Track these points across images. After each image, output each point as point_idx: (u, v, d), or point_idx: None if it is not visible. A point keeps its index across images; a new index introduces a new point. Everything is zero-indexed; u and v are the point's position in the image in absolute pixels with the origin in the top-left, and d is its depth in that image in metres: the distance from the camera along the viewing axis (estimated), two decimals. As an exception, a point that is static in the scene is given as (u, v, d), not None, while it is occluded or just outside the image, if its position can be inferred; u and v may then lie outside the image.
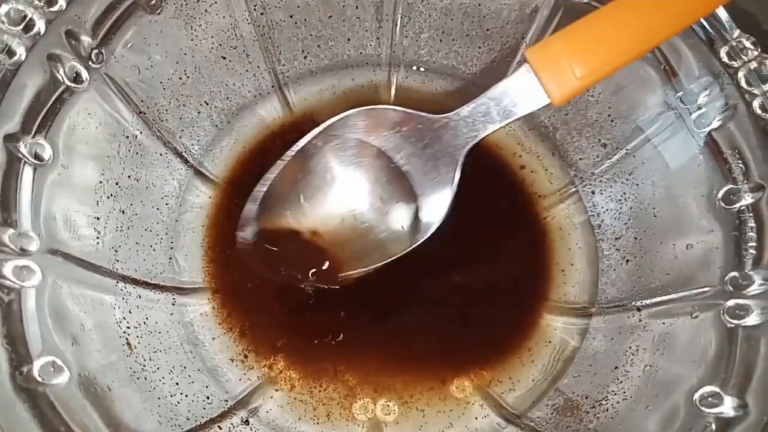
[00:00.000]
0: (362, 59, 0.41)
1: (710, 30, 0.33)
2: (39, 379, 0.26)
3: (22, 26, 0.29)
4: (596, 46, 0.27)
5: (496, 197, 0.40)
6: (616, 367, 0.34)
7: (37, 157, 0.29)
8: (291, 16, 0.39)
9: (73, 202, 0.32)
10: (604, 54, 0.27)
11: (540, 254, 0.38)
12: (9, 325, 0.26)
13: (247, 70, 0.39)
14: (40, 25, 0.29)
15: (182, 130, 0.38)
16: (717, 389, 0.29)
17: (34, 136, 0.29)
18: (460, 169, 0.32)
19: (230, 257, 0.36)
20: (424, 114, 0.31)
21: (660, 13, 0.26)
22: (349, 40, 0.41)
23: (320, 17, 0.39)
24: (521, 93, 0.28)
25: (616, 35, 0.27)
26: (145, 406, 0.31)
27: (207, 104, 0.38)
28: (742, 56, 0.32)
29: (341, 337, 0.37)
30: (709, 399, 0.29)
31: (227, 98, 0.39)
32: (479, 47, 0.41)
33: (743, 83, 0.32)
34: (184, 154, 0.37)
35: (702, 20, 0.33)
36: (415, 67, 0.42)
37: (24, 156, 0.29)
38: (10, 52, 0.29)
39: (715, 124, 0.33)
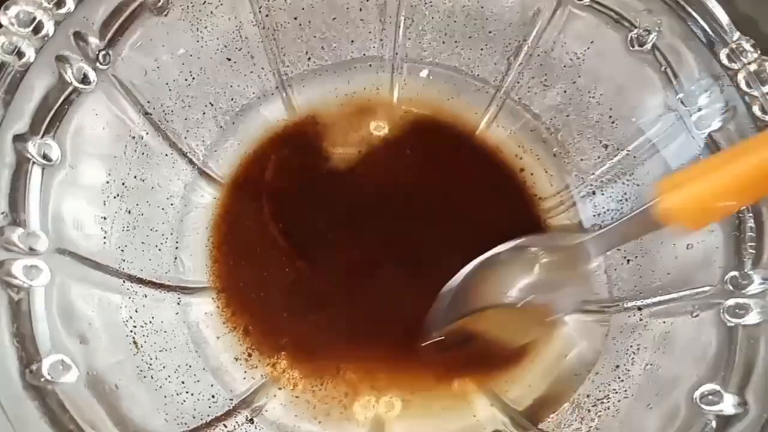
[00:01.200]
0: (366, 61, 0.42)
1: (710, 32, 0.34)
2: (48, 377, 0.27)
3: (31, 28, 0.29)
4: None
5: (496, 200, 0.40)
6: (618, 366, 0.34)
7: (45, 157, 0.30)
8: (295, 18, 0.39)
9: (81, 202, 0.32)
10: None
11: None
12: (18, 324, 0.27)
13: (252, 72, 0.40)
14: (48, 27, 0.30)
15: (187, 131, 0.38)
16: (717, 387, 0.30)
17: (42, 137, 0.30)
18: None
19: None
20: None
21: None
22: (352, 41, 0.41)
23: (324, 19, 0.40)
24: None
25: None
26: (152, 405, 0.31)
27: (212, 105, 0.39)
28: (742, 58, 0.33)
29: (344, 335, 0.37)
30: (710, 397, 0.30)
31: (232, 99, 0.39)
32: (482, 49, 0.41)
33: (743, 85, 0.33)
34: (189, 154, 0.38)
35: (702, 23, 0.34)
36: (418, 69, 0.42)
37: (32, 156, 0.29)
38: (20, 54, 0.29)
39: (716, 125, 0.33)
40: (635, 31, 0.36)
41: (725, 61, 0.33)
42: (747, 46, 0.33)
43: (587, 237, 0.32)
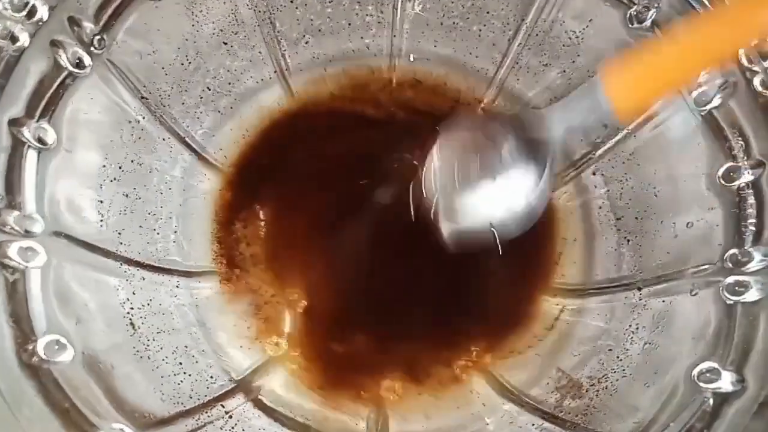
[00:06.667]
0: (363, 44, 0.41)
1: (710, 7, 0.33)
2: (43, 356, 0.27)
3: (25, 12, 0.30)
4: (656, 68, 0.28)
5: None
6: (616, 345, 0.34)
7: (40, 141, 0.30)
8: (291, 2, 0.39)
9: (77, 186, 0.32)
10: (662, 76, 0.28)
11: (540, 235, 0.38)
12: (14, 304, 0.27)
13: (249, 56, 0.39)
14: (42, 12, 0.30)
15: (185, 116, 0.38)
16: (715, 365, 0.29)
17: (37, 121, 0.30)
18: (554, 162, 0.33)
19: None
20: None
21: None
22: (350, 25, 0.41)
23: (321, 2, 0.39)
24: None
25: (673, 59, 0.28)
26: (148, 385, 0.31)
27: (209, 90, 0.39)
28: (743, 33, 0.32)
29: (347, 316, 0.37)
30: (708, 375, 0.29)
31: (229, 84, 0.39)
32: (480, 30, 0.40)
33: (743, 60, 0.32)
34: (186, 139, 0.38)
35: (703, -2, 0.33)
36: (416, 52, 0.42)
37: (28, 140, 0.30)
38: (14, 38, 0.29)
39: (716, 101, 0.33)
40: (634, 7, 0.35)
41: (725, 35, 0.32)
42: (748, 20, 0.32)
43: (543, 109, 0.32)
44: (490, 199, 0.33)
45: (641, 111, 0.31)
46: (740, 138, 0.32)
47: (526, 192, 0.32)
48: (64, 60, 0.31)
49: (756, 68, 0.32)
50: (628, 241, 0.37)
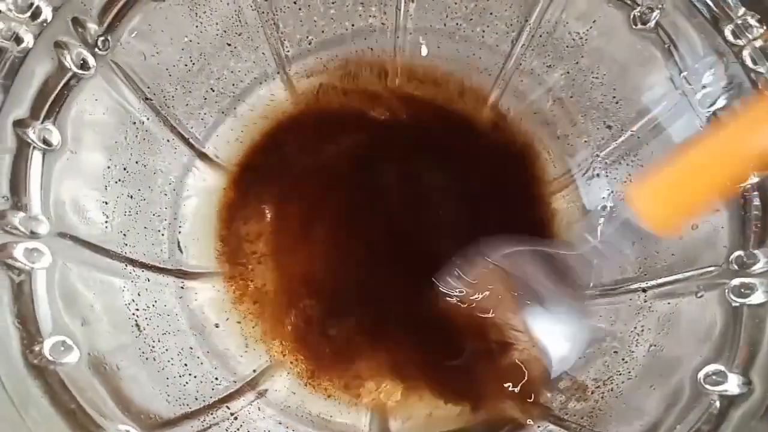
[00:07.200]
0: (367, 44, 0.41)
1: (714, 8, 0.33)
2: (49, 357, 0.27)
3: (29, 14, 0.30)
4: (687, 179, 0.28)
5: (499, 182, 0.40)
6: (622, 348, 0.34)
7: (45, 142, 0.30)
8: (295, 3, 0.39)
9: (82, 187, 0.32)
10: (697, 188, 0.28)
11: (545, 238, 0.38)
12: (20, 305, 0.27)
13: (252, 57, 0.39)
14: (46, 13, 0.30)
15: (189, 116, 0.38)
16: (722, 367, 0.29)
17: (42, 122, 0.30)
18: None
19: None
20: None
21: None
22: (353, 26, 0.41)
23: (324, 3, 0.39)
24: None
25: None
26: (153, 386, 0.31)
27: (213, 90, 0.39)
28: (747, 34, 0.32)
29: (351, 319, 0.37)
30: (714, 377, 0.29)
31: (233, 84, 0.39)
32: (483, 31, 0.40)
33: (748, 62, 0.32)
34: (190, 140, 0.38)
35: (707, -1, 0.33)
36: (420, 52, 0.42)
37: (33, 141, 0.29)
38: (18, 40, 0.29)
39: (720, 103, 0.33)
40: (638, 8, 0.35)
41: (730, 37, 0.32)
42: (752, 21, 0.32)
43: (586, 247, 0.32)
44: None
45: (687, 220, 0.30)
46: (745, 140, 0.32)
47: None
48: (68, 61, 0.31)
49: (761, 69, 0.32)
50: (633, 242, 0.36)
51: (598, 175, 0.39)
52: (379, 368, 0.36)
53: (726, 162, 0.26)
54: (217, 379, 0.34)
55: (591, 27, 0.37)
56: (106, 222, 0.33)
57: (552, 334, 0.34)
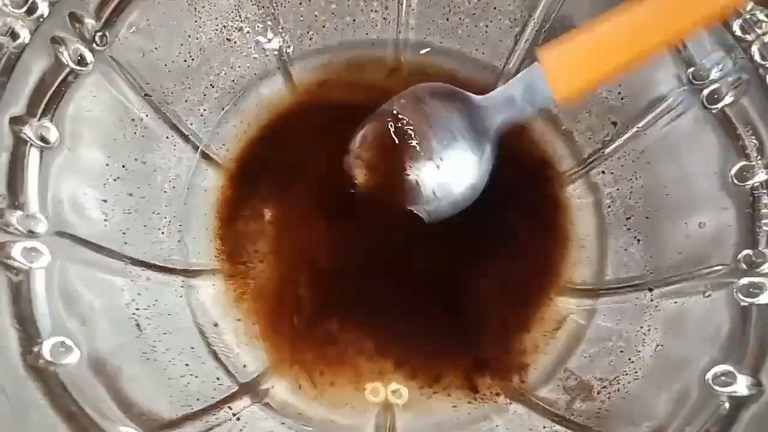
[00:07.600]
0: (369, 40, 0.41)
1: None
2: (49, 358, 0.27)
3: (25, 9, 0.29)
4: (600, 52, 0.28)
5: (503, 179, 0.40)
6: (628, 347, 0.34)
7: (43, 139, 0.30)
8: (295, -3, 0.38)
9: (80, 185, 0.32)
10: (606, 60, 0.28)
11: (550, 235, 0.38)
12: (18, 306, 0.27)
13: (252, 52, 0.39)
14: (43, 8, 0.30)
15: (188, 113, 0.37)
16: (730, 368, 0.29)
17: (39, 119, 0.30)
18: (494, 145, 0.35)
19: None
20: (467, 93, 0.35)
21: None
22: (354, 21, 0.40)
23: (325, -3, 0.39)
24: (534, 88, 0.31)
25: (619, 41, 0.28)
26: (155, 387, 0.31)
27: (212, 87, 0.38)
28: (756, 29, 0.32)
29: (355, 318, 0.36)
30: (722, 378, 0.29)
31: (233, 80, 0.39)
32: (486, 26, 0.40)
33: (757, 57, 0.32)
34: (190, 137, 0.37)
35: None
36: (422, 48, 0.41)
37: (30, 139, 0.29)
38: (14, 35, 0.29)
39: (728, 99, 0.32)
40: (645, 3, 0.35)
41: (738, 32, 0.32)
42: (761, 16, 0.32)
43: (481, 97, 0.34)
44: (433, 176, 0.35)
45: (584, 95, 0.30)
46: (753, 136, 0.32)
47: (465, 173, 0.35)
48: (65, 57, 0.30)
49: (769, 65, 0.31)
50: (639, 240, 0.36)
51: (603, 171, 0.38)
52: (385, 367, 0.36)
53: (638, 38, 0.27)
54: (218, 378, 0.34)
55: (596, 21, 0.37)
56: (106, 220, 0.33)
57: (454, 159, 0.35)
